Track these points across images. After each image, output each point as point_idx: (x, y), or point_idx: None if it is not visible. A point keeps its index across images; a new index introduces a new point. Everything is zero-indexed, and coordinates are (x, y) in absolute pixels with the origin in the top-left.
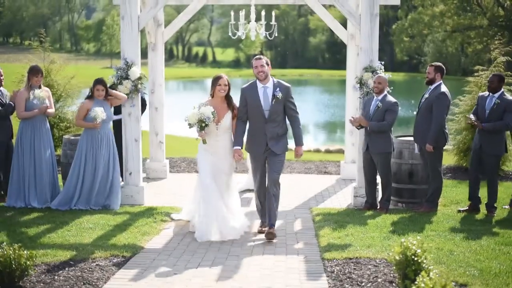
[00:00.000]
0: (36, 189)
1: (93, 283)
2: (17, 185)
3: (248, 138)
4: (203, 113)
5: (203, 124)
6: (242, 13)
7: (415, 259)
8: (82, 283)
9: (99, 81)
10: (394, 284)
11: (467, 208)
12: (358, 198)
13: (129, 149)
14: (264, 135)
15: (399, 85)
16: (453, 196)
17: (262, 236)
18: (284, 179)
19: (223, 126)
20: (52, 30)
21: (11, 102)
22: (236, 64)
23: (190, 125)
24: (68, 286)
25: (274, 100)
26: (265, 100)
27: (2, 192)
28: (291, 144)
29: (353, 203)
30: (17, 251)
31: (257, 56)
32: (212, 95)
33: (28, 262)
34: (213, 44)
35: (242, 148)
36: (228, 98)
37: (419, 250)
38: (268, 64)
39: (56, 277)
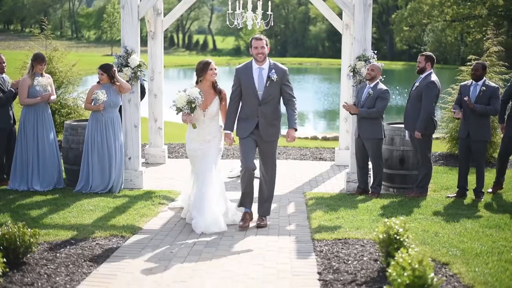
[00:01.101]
0: (39, 173)
1: (94, 260)
2: (20, 169)
3: (239, 120)
4: (190, 94)
5: (193, 105)
6: (240, 2)
7: (397, 237)
8: (82, 260)
9: (100, 66)
10: (378, 262)
11: (456, 194)
12: (351, 183)
13: (129, 135)
14: (256, 117)
15: (399, 73)
16: (444, 182)
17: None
18: (280, 165)
19: (210, 113)
20: (53, 17)
21: (11, 89)
22: (236, 52)
23: (178, 109)
24: (69, 263)
25: (268, 82)
26: (259, 82)
27: (5, 176)
28: (283, 131)
29: (346, 188)
30: (21, 229)
31: (256, 36)
32: (198, 82)
33: (31, 240)
34: (214, 32)
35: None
36: (214, 83)
37: (401, 229)
38: (267, 45)
39: (58, 254)
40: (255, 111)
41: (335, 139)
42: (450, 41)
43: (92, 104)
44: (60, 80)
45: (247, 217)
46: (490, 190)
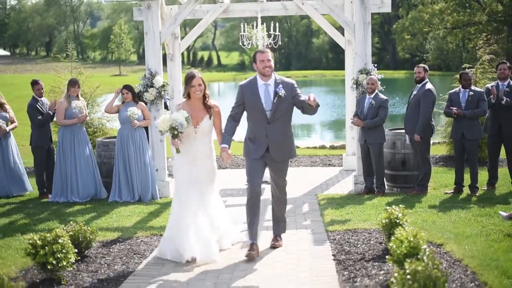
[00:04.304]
0: (78, 186)
1: (141, 253)
2: (60, 183)
3: (247, 141)
4: (175, 119)
5: (175, 132)
6: (247, 26)
7: (397, 221)
8: (132, 253)
9: (124, 86)
10: (383, 244)
11: (453, 190)
12: (358, 185)
13: (155, 149)
14: (266, 137)
15: (401, 82)
16: (443, 181)
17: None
18: (292, 171)
19: (201, 129)
20: (58, 39)
21: (49, 111)
22: (241, 67)
23: (161, 132)
24: (122, 255)
25: (276, 98)
26: (266, 99)
27: (45, 190)
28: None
29: (353, 189)
30: (82, 227)
31: (260, 49)
32: (187, 96)
33: (91, 236)
34: (218, 48)
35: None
36: (204, 99)
37: (400, 215)
38: (273, 58)
39: (111, 249)
40: (263, 130)
41: (342, 147)
42: (452, 48)
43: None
44: (86, 101)
45: (254, 247)
46: (485, 188)
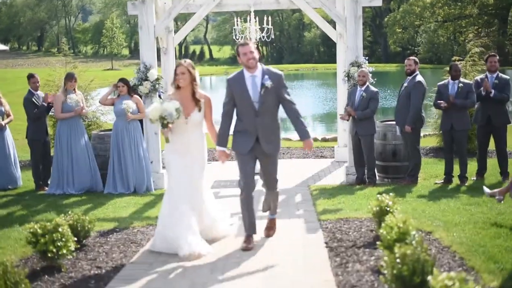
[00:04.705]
0: (73, 178)
1: (138, 242)
2: (57, 176)
3: (235, 134)
4: (165, 109)
5: (165, 122)
6: (239, 20)
7: (388, 209)
8: (129, 242)
9: (120, 79)
10: (373, 232)
11: (443, 180)
12: (350, 176)
13: (150, 141)
14: (255, 129)
15: (393, 75)
16: (433, 172)
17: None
18: (284, 163)
19: (193, 120)
20: (50, 34)
21: (44, 103)
22: (233, 61)
23: (151, 121)
24: (119, 244)
25: (263, 90)
26: (254, 90)
27: (41, 182)
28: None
29: (345, 180)
30: (81, 217)
31: (241, 42)
32: (176, 86)
33: (89, 226)
34: (210, 42)
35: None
36: (195, 88)
37: (390, 202)
38: (256, 49)
39: (108, 239)
40: (252, 122)
41: (334, 139)
42: (443, 41)
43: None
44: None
45: (250, 238)
46: (474, 178)
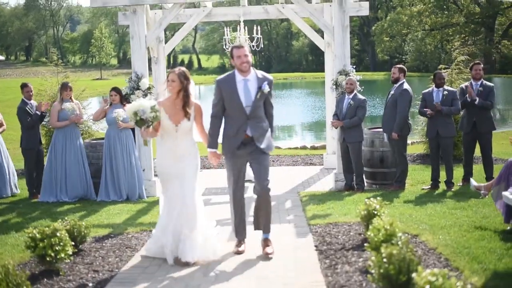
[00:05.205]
0: (66, 185)
1: (133, 247)
2: (49, 183)
3: (225, 137)
4: (140, 104)
5: (137, 118)
6: (229, 29)
7: (375, 212)
8: (124, 247)
9: (113, 88)
10: (362, 235)
11: (430, 186)
12: (338, 182)
13: (142, 149)
14: (245, 132)
15: (381, 83)
16: (420, 178)
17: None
18: (274, 170)
19: (183, 128)
20: (38, 44)
21: (37, 112)
22: (221, 70)
23: (130, 120)
24: (115, 249)
25: (259, 94)
26: (246, 95)
27: (34, 190)
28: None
29: (334, 186)
30: (77, 222)
31: (236, 45)
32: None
33: (86, 231)
34: (198, 51)
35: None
36: (185, 99)
37: (378, 206)
38: (250, 53)
39: (103, 244)
40: (243, 126)
41: (323, 147)
42: (430, 50)
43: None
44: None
45: (242, 244)
46: (460, 183)
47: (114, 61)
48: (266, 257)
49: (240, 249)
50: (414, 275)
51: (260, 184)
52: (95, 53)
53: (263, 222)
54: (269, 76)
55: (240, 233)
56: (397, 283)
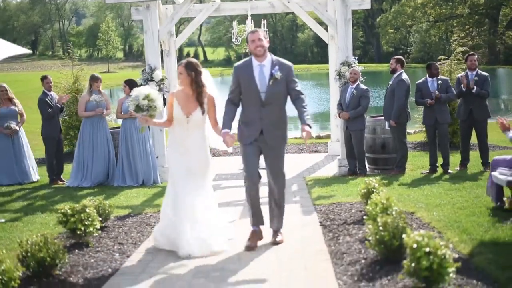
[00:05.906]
0: (92, 173)
1: (152, 225)
2: (76, 170)
3: (240, 124)
4: (139, 92)
5: (136, 103)
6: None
7: (374, 190)
8: (144, 224)
9: (125, 80)
10: (362, 212)
11: (428, 170)
12: (342, 168)
13: (156, 137)
14: (260, 120)
15: (386, 75)
16: (420, 163)
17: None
18: None
19: (194, 120)
20: (44, 37)
21: (58, 104)
22: (227, 62)
23: (129, 106)
24: (136, 226)
25: (271, 80)
26: (261, 80)
27: (54, 177)
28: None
29: (338, 172)
30: (102, 201)
31: (252, 30)
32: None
33: (109, 210)
34: (204, 44)
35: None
36: (198, 90)
37: (377, 185)
38: (265, 38)
39: (125, 222)
40: (257, 113)
41: (328, 137)
42: (435, 41)
43: (122, 113)
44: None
45: (254, 236)
46: (457, 168)
47: (120, 54)
48: (273, 243)
49: (252, 244)
50: (403, 235)
51: (272, 177)
52: (102, 47)
53: (277, 221)
54: (287, 62)
55: (253, 220)
56: (391, 248)
